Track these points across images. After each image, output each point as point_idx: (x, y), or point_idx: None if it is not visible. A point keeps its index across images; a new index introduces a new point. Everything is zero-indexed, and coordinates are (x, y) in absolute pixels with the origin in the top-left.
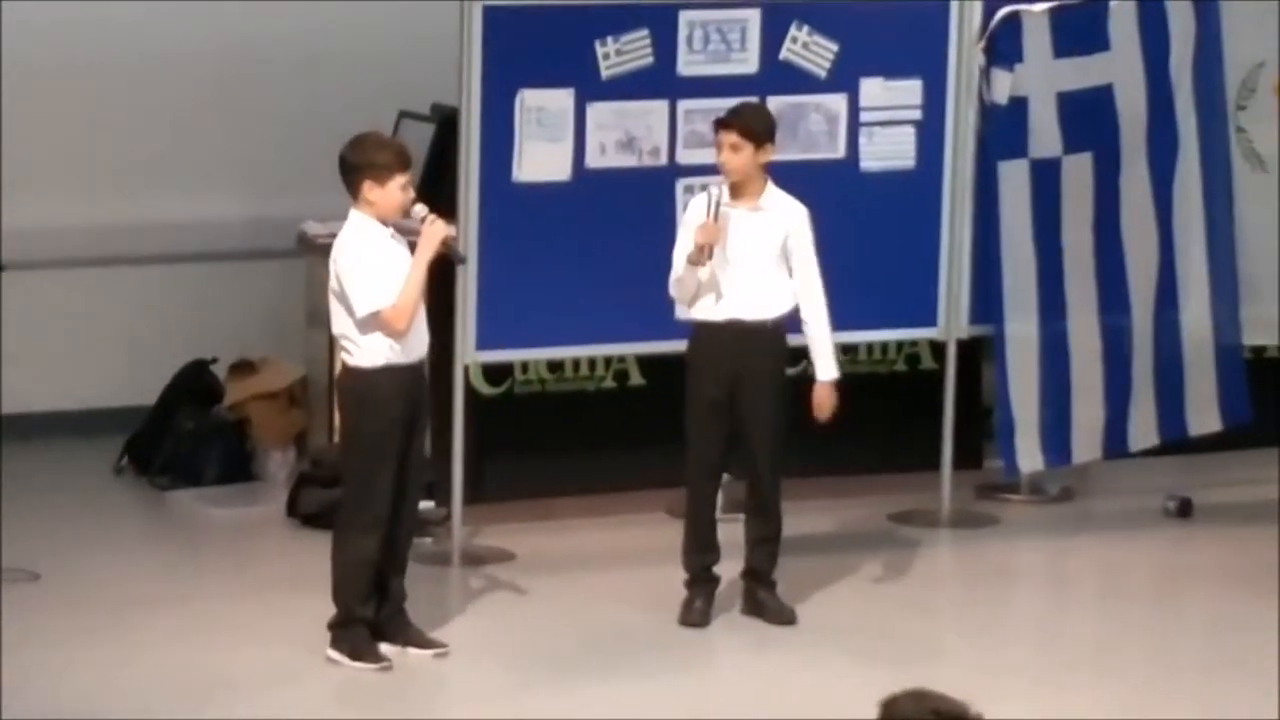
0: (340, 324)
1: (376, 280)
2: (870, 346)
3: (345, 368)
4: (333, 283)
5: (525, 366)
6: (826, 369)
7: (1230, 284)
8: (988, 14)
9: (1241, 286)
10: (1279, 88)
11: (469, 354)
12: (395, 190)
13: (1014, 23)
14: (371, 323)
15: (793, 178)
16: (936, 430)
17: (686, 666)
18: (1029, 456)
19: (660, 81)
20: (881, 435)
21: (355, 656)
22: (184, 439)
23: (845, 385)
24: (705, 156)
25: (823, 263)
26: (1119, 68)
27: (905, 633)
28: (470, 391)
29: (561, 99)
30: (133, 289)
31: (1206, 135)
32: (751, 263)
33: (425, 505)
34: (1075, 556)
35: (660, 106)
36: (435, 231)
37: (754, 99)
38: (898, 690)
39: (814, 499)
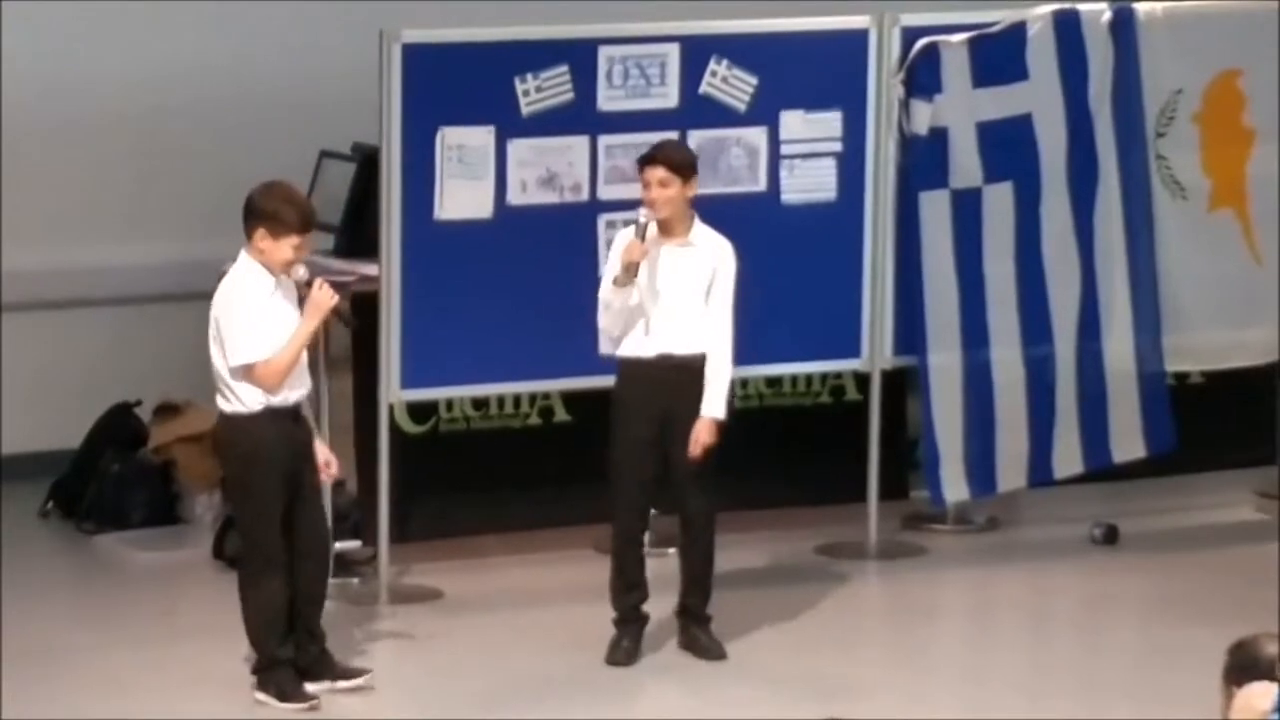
0: (219, 367)
1: (256, 329)
2: (795, 379)
3: (224, 416)
4: (212, 326)
5: (450, 405)
6: (714, 406)
7: (1152, 312)
8: (906, 45)
9: (1164, 314)
10: (1198, 115)
11: (393, 393)
12: (287, 248)
13: (932, 53)
14: (242, 373)
15: (714, 212)
16: (862, 462)
17: (613, 705)
18: (954, 487)
19: (580, 117)
20: (807, 467)
21: (283, 698)
22: (109, 482)
23: (771, 418)
24: (627, 192)
25: (746, 296)
26: (1038, 97)
27: (833, 666)
28: (395, 430)
29: (482, 136)
30: (55, 333)
31: (1126, 163)
32: (680, 298)
33: (351, 545)
34: (1002, 585)
35: (581, 142)
36: (323, 299)
37: (674, 133)
38: None
39: (740, 532)
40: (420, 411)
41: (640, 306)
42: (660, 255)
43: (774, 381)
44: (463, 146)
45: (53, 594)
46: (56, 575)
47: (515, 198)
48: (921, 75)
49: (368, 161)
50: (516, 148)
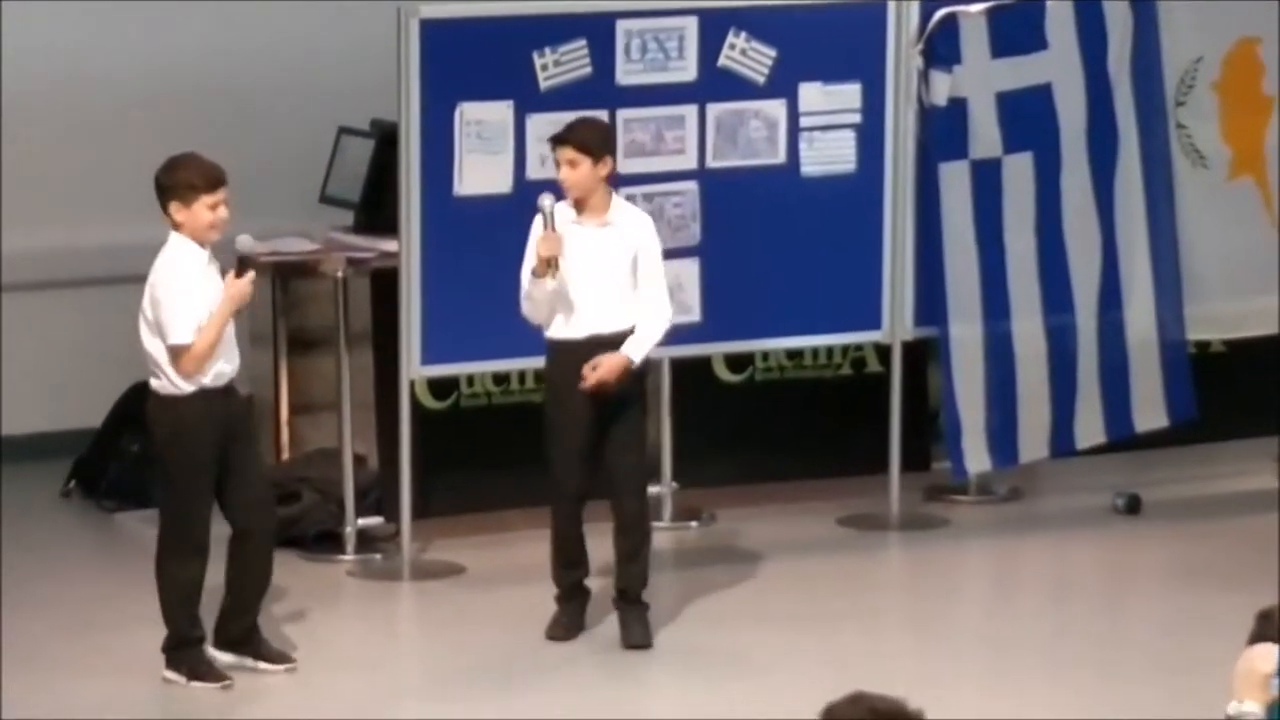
0: (151, 348)
1: (193, 310)
2: (815, 351)
3: (155, 396)
4: (145, 305)
5: (471, 380)
6: (633, 348)
7: (1174, 281)
8: (925, 16)
9: (1185, 283)
10: (1218, 83)
11: (414, 369)
12: (203, 210)
13: (951, 24)
14: (173, 354)
15: (734, 185)
16: (884, 433)
17: (633, 681)
18: (976, 458)
19: (599, 91)
20: (828, 439)
21: (194, 676)
22: (130, 461)
23: (792, 390)
24: (646, 166)
25: (767, 269)
26: (1057, 67)
27: (856, 637)
28: (416, 406)
29: (501, 111)
30: (75, 311)
31: (1146, 132)
32: (604, 278)
33: (373, 521)
34: (1025, 556)
35: (599, 116)
36: (239, 291)
37: (693, 107)
38: (839, 696)
39: (762, 505)
40: (441, 387)
41: (563, 291)
42: (581, 236)
43: (795, 354)
44: (481, 122)
45: (75, 572)
46: (79, 553)
47: (534, 172)
48: (940, 46)
49: (386, 138)
50: (535, 122)
